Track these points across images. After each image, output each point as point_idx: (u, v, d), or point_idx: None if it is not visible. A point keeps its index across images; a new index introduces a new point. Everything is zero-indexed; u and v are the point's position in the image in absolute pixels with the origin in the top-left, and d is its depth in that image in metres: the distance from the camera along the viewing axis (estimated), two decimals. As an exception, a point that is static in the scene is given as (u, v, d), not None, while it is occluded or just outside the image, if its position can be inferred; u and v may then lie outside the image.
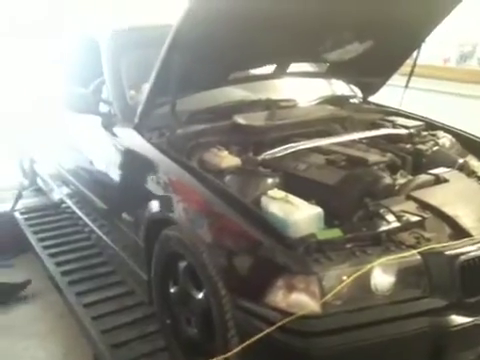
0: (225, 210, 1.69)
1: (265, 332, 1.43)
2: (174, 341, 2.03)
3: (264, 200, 1.73)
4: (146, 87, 2.12)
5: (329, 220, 1.68)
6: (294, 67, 2.55)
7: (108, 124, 2.46)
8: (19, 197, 3.97)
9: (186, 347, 1.97)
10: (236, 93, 2.55)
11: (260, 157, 2.02)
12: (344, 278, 1.46)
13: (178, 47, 1.87)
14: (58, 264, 2.95)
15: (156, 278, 2.06)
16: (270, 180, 1.85)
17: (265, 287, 1.50)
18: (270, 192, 1.75)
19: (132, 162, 2.25)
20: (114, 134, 2.41)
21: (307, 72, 2.75)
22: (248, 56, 2.24)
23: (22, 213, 3.78)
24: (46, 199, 4.02)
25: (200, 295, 1.78)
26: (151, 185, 2.08)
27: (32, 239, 3.36)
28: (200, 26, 1.83)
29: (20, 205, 3.90)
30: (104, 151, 2.52)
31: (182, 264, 1.90)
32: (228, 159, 2.00)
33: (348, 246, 1.55)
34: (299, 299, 1.46)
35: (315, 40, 2.31)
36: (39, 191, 4.20)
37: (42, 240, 3.30)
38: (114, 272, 2.77)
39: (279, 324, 1.42)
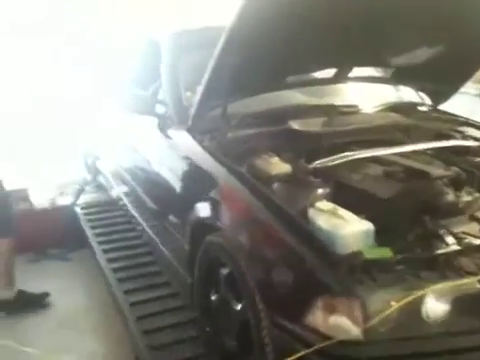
0: (269, 219, 1.62)
1: (301, 354, 1.33)
2: (213, 349, 1.98)
3: (311, 212, 1.63)
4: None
5: (381, 238, 1.55)
6: (356, 71, 2.42)
7: (164, 126, 2.46)
8: (81, 192, 4.09)
9: (224, 357, 1.91)
10: (293, 97, 2.46)
11: (312, 165, 1.92)
12: (392, 303, 1.33)
13: (232, 48, 1.82)
14: (110, 260, 2.99)
15: (198, 283, 2.02)
16: (319, 190, 1.75)
17: (304, 306, 1.41)
18: (318, 203, 1.65)
19: (182, 164, 2.22)
20: (168, 136, 2.40)
21: (370, 77, 2.61)
22: (307, 59, 2.15)
23: (82, 208, 3.90)
24: (106, 196, 4.12)
25: (239, 306, 1.71)
26: (199, 189, 2.05)
27: (89, 234, 3.44)
28: (255, 26, 1.76)
29: (81, 200, 4.03)
30: (158, 152, 2.53)
31: (224, 271, 1.84)
32: (278, 166, 1.92)
33: (399, 268, 1.42)
34: (340, 322, 1.35)
35: (380, 43, 2.17)
36: (100, 187, 4.32)
37: (98, 235, 3.37)
38: (162, 272, 2.77)
39: (316, 347, 1.32)
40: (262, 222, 1.65)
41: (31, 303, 2.93)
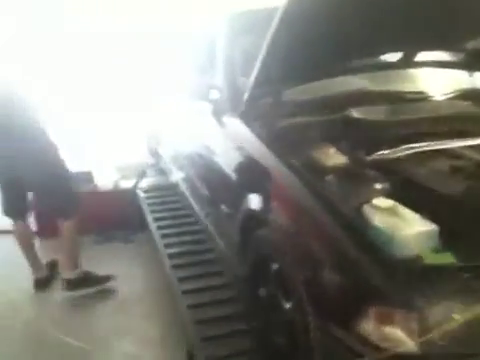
0: (321, 216, 1.51)
1: (350, 364, 1.24)
2: (261, 345, 1.92)
3: (367, 209, 1.50)
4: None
5: (445, 241, 1.40)
6: (425, 55, 2.23)
7: (217, 112, 2.41)
8: (142, 176, 4.16)
9: (272, 353, 1.85)
10: (353, 83, 2.31)
11: (371, 157, 1.79)
12: (454, 316, 1.20)
13: (286, 30, 1.71)
14: (166, 246, 3.00)
15: (247, 276, 1.96)
16: (377, 185, 1.61)
17: (356, 313, 1.30)
18: (375, 200, 1.52)
19: (234, 152, 2.16)
20: (221, 122, 2.34)
21: (440, 61, 2.39)
22: (369, 41, 2.00)
23: (143, 191, 3.95)
24: (166, 180, 4.17)
25: (287, 305, 1.63)
26: (250, 179, 1.98)
27: (149, 218, 3.48)
28: (312, 5, 1.64)
29: (143, 184, 4.09)
30: (211, 139, 2.49)
31: (273, 267, 1.76)
32: (334, 157, 1.80)
33: (463, 276, 1.27)
34: (393, 334, 1.23)
35: (451, 25, 1.97)
36: (161, 172, 4.37)
37: (156, 220, 3.39)
38: (215, 261, 2.74)
39: (366, 359, 1.22)
40: (313, 218, 1.55)
41: (95, 285, 2.99)
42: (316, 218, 1.53)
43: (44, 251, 3.27)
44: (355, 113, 2.05)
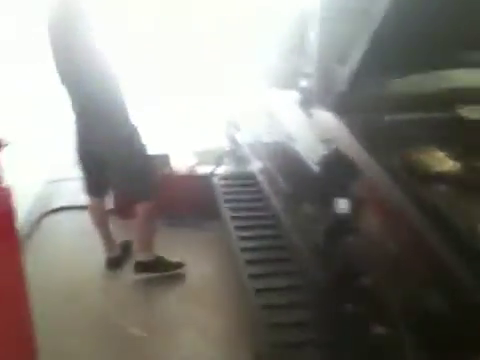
0: (426, 230, 1.30)
1: None
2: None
3: (486, 230, 1.26)
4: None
5: None
6: None
7: (306, 102, 2.23)
8: (220, 162, 4.07)
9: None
10: (465, 77, 2.02)
11: (488, 165, 1.53)
12: None
13: (395, 16, 1.51)
14: (239, 239, 2.87)
15: (329, 285, 1.78)
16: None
17: (466, 355, 1.09)
18: (496, 220, 1.28)
19: (323, 148, 1.97)
20: (309, 114, 2.17)
21: None
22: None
23: (219, 179, 3.85)
24: (243, 169, 4.04)
25: (379, 330, 1.43)
26: (339, 179, 1.78)
27: (222, 207, 3.37)
28: None
29: (219, 171, 3.99)
30: (297, 130, 2.32)
31: (363, 282, 1.56)
32: (442, 163, 1.56)
33: None
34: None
35: None
36: (239, 160, 4.26)
37: (230, 210, 3.28)
38: (291, 260, 2.58)
39: None
40: (417, 232, 1.34)
41: (166, 270, 2.93)
42: (421, 234, 1.31)
43: (120, 231, 3.24)
44: (468, 112, 1.79)
